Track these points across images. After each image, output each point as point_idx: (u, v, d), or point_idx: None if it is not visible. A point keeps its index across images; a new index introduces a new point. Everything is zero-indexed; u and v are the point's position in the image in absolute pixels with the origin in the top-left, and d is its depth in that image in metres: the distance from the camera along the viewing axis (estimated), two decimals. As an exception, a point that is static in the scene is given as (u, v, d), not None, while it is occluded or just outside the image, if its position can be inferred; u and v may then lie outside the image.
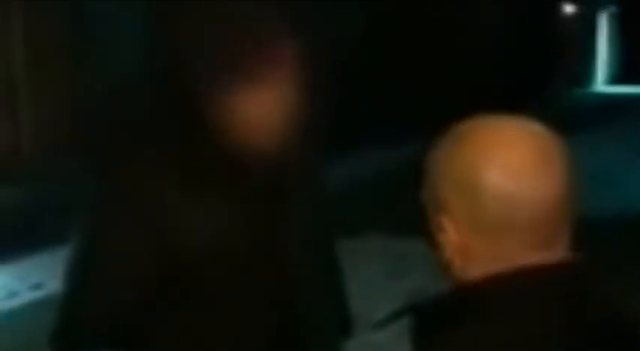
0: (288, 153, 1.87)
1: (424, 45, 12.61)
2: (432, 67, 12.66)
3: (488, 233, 1.24)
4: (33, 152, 8.24)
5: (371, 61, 11.79)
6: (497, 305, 1.23)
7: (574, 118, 13.74)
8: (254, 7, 1.80)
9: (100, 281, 1.86)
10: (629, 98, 17.50)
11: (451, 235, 1.27)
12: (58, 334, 1.92)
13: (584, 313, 1.24)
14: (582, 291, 1.25)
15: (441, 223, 1.28)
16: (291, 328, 1.94)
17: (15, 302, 5.72)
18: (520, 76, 14.26)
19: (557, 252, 1.26)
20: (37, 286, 5.65)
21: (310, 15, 1.91)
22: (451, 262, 1.28)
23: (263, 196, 1.88)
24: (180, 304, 1.86)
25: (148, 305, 1.86)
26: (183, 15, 1.81)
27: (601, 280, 1.29)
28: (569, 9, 18.60)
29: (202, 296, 1.86)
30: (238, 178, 1.84)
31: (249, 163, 1.83)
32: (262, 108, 1.80)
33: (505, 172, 1.23)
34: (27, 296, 5.68)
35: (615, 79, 20.39)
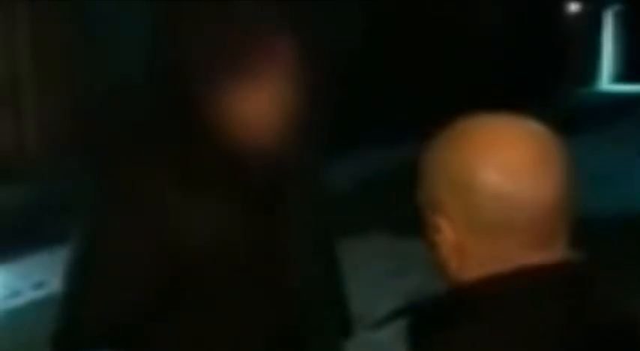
0: (287, 153, 1.87)
1: (424, 45, 12.61)
2: (432, 67, 12.66)
3: (486, 233, 1.23)
4: (36, 152, 8.25)
5: (371, 61, 11.78)
6: (495, 306, 1.22)
7: (578, 117, 13.73)
8: (253, 6, 1.80)
9: (100, 281, 1.85)
10: (635, 97, 17.47)
11: (447, 234, 1.26)
12: (58, 334, 1.91)
13: (583, 313, 1.23)
14: (581, 291, 1.25)
15: (437, 223, 1.27)
16: (291, 328, 1.94)
17: (18, 301, 5.74)
18: (521, 76, 14.25)
19: (555, 252, 1.25)
20: (39, 285, 5.67)
21: (310, 15, 1.91)
22: (447, 262, 1.27)
23: (263, 195, 1.88)
24: (180, 304, 1.86)
25: (148, 305, 1.86)
26: (182, 15, 1.81)
27: (601, 280, 1.28)
28: (573, 7, 18.59)
29: (202, 296, 1.86)
30: (238, 178, 1.84)
31: (248, 163, 1.83)
32: (261, 107, 1.80)
33: (503, 171, 1.22)
34: (30, 295, 5.70)
35: (620, 77, 20.37)
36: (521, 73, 14.45)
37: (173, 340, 1.88)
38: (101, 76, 8.10)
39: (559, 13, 17.91)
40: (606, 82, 20.12)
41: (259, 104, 1.80)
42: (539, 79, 15.27)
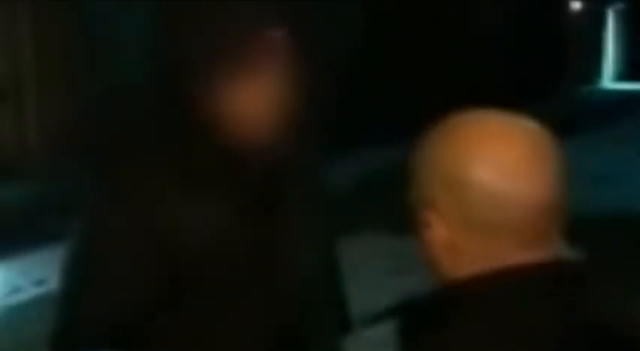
0: (287, 153, 1.87)
1: (424, 45, 12.61)
2: (432, 67, 12.65)
3: (478, 231, 1.22)
4: (38, 150, 8.25)
5: (371, 61, 11.78)
6: (487, 305, 1.21)
7: (581, 115, 13.70)
8: (253, 6, 1.80)
9: (100, 281, 1.85)
10: (637, 95, 17.45)
11: (439, 231, 1.25)
12: (57, 334, 1.91)
13: (574, 312, 1.23)
14: (573, 290, 1.24)
15: (429, 220, 1.26)
16: (291, 328, 1.94)
17: (19, 297, 5.77)
18: (521, 76, 14.25)
19: (548, 251, 1.24)
20: (39, 282, 5.69)
21: (309, 14, 1.91)
22: (439, 259, 1.26)
23: (263, 195, 1.88)
24: (180, 304, 1.86)
25: (148, 305, 1.85)
26: (182, 15, 1.81)
27: (597, 280, 1.28)
28: (575, 6, 18.56)
29: (202, 296, 1.86)
30: (238, 178, 1.84)
31: (248, 163, 1.83)
32: (261, 108, 1.80)
33: (497, 169, 1.21)
34: (31, 292, 5.73)
35: (622, 75, 20.34)
36: (522, 73, 14.44)
37: (173, 340, 1.88)
38: (101, 76, 8.09)
39: (561, 12, 17.89)
40: (608, 80, 20.09)
41: (259, 104, 1.80)
42: (540, 78, 15.26)
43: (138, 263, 1.83)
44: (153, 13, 2.13)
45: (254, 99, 1.79)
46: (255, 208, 1.88)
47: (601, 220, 7.31)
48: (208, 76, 1.75)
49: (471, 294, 1.22)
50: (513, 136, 1.24)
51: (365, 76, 11.35)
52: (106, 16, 8.28)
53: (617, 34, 20.61)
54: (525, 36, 15.06)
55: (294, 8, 1.85)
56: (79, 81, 8.23)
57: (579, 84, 17.78)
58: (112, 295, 1.85)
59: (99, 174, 1.90)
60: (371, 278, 6.01)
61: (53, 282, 1.96)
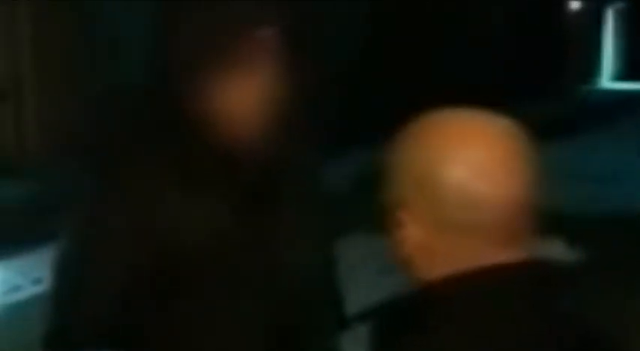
0: (286, 153, 1.87)
1: (424, 45, 12.60)
2: (432, 67, 12.64)
3: (451, 231, 1.21)
4: (36, 150, 8.25)
5: (371, 61, 11.77)
6: (462, 305, 1.20)
7: (579, 115, 13.69)
8: (252, 6, 1.80)
9: (98, 281, 1.85)
10: (636, 94, 17.44)
11: (412, 232, 1.24)
12: (51, 335, 1.90)
13: (548, 311, 1.22)
14: (548, 290, 1.23)
15: (402, 220, 1.24)
16: (291, 328, 1.94)
17: (18, 296, 5.79)
18: (521, 76, 14.24)
19: (523, 251, 1.23)
20: (38, 281, 5.70)
21: (309, 14, 1.91)
22: (412, 260, 1.25)
23: (261, 195, 1.88)
24: (179, 304, 1.86)
25: (148, 305, 1.85)
26: (180, 15, 1.81)
27: (602, 280, 1.28)
28: (574, 5, 18.56)
29: (201, 296, 1.86)
30: (237, 178, 1.84)
31: (247, 163, 1.83)
32: (259, 108, 1.80)
33: (470, 168, 1.20)
34: (30, 290, 5.74)
35: (621, 75, 20.33)
36: (522, 72, 14.44)
37: (173, 340, 1.88)
38: (101, 76, 8.09)
39: (560, 12, 17.89)
40: (607, 80, 20.09)
41: (255, 104, 1.80)
42: (540, 78, 15.26)
43: (136, 263, 1.83)
44: (153, 13, 2.13)
45: (250, 98, 1.79)
46: (253, 207, 1.87)
47: (601, 220, 7.31)
48: (206, 76, 1.75)
49: (447, 295, 1.21)
50: (486, 136, 1.22)
51: (365, 76, 11.34)
52: (106, 16, 8.28)
53: (616, 33, 20.60)
54: (525, 36, 15.05)
55: (293, 8, 1.85)
56: (79, 81, 8.23)
57: (578, 84, 17.77)
58: (109, 295, 1.85)
59: (98, 174, 1.90)
60: (364, 278, 6.01)
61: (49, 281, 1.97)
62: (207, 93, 1.77)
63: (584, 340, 1.24)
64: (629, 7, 20.10)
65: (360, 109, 10.61)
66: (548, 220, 1.30)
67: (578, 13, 18.76)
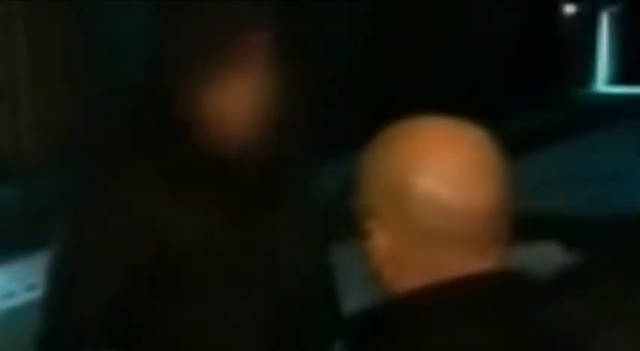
0: (281, 153, 1.87)
1: (424, 45, 12.60)
2: (432, 67, 12.64)
3: (421, 242, 1.19)
4: (32, 153, 8.23)
5: (371, 61, 11.77)
6: (435, 317, 1.18)
7: (575, 118, 13.70)
8: (251, 7, 1.80)
9: (93, 282, 1.85)
10: (631, 98, 17.46)
11: (381, 242, 1.21)
12: (45, 337, 1.90)
13: (523, 321, 1.20)
14: (520, 299, 1.21)
15: (371, 230, 1.22)
16: (291, 328, 1.94)
17: (13, 302, 5.75)
18: (521, 77, 14.24)
19: (495, 260, 1.21)
20: (32, 287, 5.68)
21: (309, 14, 1.91)
22: (381, 270, 1.23)
23: (258, 195, 1.88)
24: (179, 304, 1.86)
25: (147, 305, 1.85)
26: (179, 16, 1.81)
27: (602, 280, 1.27)
28: (569, 9, 18.57)
29: (201, 297, 1.86)
30: (233, 179, 1.84)
31: (245, 162, 1.83)
32: (254, 109, 1.80)
33: (440, 178, 1.18)
34: (24, 297, 5.71)
35: (616, 79, 20.35)
36: (521, 73, 14.44)
37: (173, 340, 1.88)
38: (101, 76, 8.09)
39: (555, 15, 17.90)
40: (602, 83, 20.11)
41: (256, 105, 1.79)
42: (539, 79, 15.27)
43: (135, 263, 1.82)
44: (153, 13, 2.13)
45: (249, 99, 1.79)
46: (253, 207, 1.87)
47: (601, 220, 7.30)
48: (205, 76, 1.75)
49: (424, 306, 1.19)
50: (457, 145, 1.20)
51: (365, 76, 11.35)
52: (106, 16, 8.28)
53: (611, 37, 20.61)
54: (525, 37, 15.06)
55: (293, 8, 1.85)
56: (78, 81, 8.23)
57: (574, 87, 17.80)
58: (106, 295, 1.85)
59: (95, 175, 1.90)
60: (359, 279, 6.01)
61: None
62: (206, 93, 1.77)
63: (558, 350, 1.23)
64: (623, 11, 20.12)
65: (360, 109, 10.61)
66: (548, 221, 1.29)
67: (573, 17, 18.78)
